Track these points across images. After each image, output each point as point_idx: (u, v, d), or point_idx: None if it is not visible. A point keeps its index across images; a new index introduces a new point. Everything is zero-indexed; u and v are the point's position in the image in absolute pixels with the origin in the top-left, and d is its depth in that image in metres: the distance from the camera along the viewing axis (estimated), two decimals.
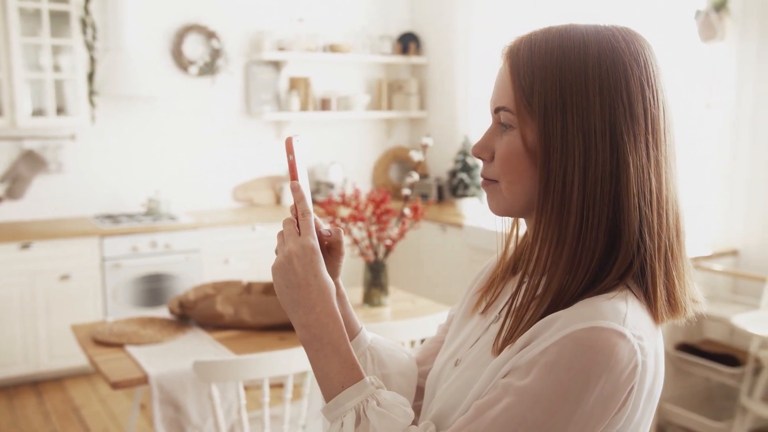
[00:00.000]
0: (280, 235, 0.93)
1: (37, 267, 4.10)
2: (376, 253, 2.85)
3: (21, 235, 4.09)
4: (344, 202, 2.82)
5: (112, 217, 4.59)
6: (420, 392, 1.07)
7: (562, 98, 0.81)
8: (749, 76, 3.38)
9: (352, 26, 5.47)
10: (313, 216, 0.94)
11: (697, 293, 0.88)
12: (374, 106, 5.58)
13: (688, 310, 0.87)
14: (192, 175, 5.04)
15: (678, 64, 3.65)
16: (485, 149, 0.89)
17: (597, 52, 0.81)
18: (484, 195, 0.93)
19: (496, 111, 0.87)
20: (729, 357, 3.18)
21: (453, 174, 5.01)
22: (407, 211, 2.83)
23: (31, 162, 4.49)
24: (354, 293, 2.96)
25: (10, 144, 4.48)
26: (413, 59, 5.53)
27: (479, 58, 5.06)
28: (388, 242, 2.82)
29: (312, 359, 0.89)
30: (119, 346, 2.44)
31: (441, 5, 5.39)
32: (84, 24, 4.37)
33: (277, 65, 5.19)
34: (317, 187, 5.23)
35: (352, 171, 5.55)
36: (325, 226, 0.98)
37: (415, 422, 0.88)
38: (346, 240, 1.01)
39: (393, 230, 2.83)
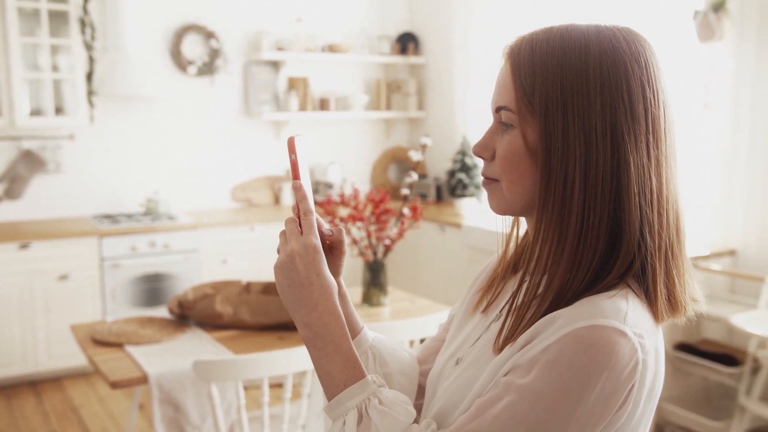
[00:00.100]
0: (282, 234, 0.93)
1: (36, 267, 4.10)
2: (375, 253, 2.85)
3: (20, 235, 4.08)
4: (343, 202, 2.83)
5: (110, 217, 4.59)
6: (421, 391, 1.07)
7: (563, 98, 0.81)
8: (747, 76, 3.39)
9: (351, 26, 5.47)
10: (315, 215, 0.94)
11: (697, 292, 0.89)
12: (373, 106, 5.59)
13: (688, 309, 0.87)
14: (191, 175, 5.04)
15: (676, 64, 3.65)
16: (486, 148, 0.89)
17: (598, 52, 0.82)
18: (485, 194, 0.93)
19: (497, 110, 0.88)
20: (727, 357, 3.18)
21: (452, 174, 5.01)
22: (406, 211, 2.83)
23: (30, 162, 4.49)
24: (353, 293, 2.96)
25: (9, 144, 4.47)
26: (412, 59, 5.54)
27: (478, 58, 5.07)
28: (387, 242, 2.83)
29: (314, 358, 0.89)
30: (118, 345, 2.44)
31: (439, 5, 5.40)
32: (83, 24, 4.37)
33: (275, 65, 5.20)
34: (316, 187, 5.23)
35: (351, 171, 5.55)
36: (326, 226, 0.99)
37: (416, 421, 0.88)
38: (345, 240, 1.01)
39: (392, 230, 2.83)
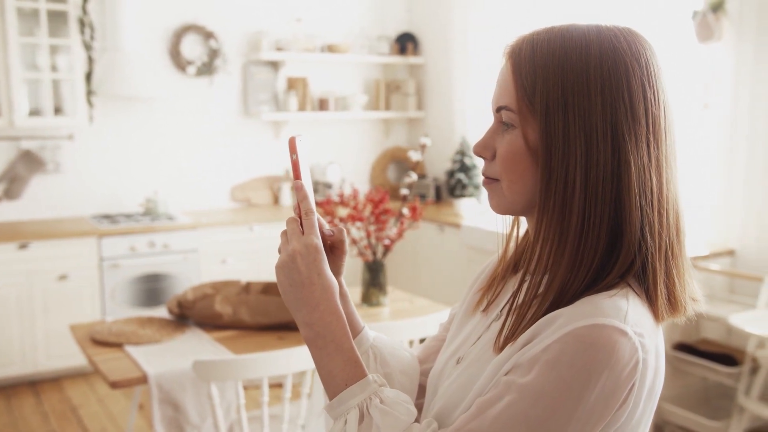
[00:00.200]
0: (284, 234, 0.93)
1: (35, 267, 4.10)
2: (374, 253, 2.85)
3: (19, 235, 4.08)
4: (343, 202, 2.83)
5: (110, 217, 4.59)
6: (422, 390, 1.07)
7: (564, 98, 0.81)
8: (746, 76, 3.39)
9: (350, 27, 5.48)
10: (316, 215, 0.94)
11: (697, 292, 0.89)
12: (372, 106, 5.59)
13: (687, 308, 0.87)
14: (190, 175, 5.04)
15: (675, 64, 3.66)
16: (487, 148, 0.90)
17: (599, 52, 0.82)
18: (484, 194, 0.94)
19: (498, 110, 0.88)
20: (726, 356, 3.19)
21: (451, 174, 5.01)
22: (405, 211, 2.83)
23: (29, 162, 4.49)
24: (352, 293, 2.96)
25: (8, 144, 4.47)
26: (411, 59, 5.54)
27: (477, 58, 5.07)
28: (387, 242, 2.83)
29: (315, 357, 0.90)
30: (118, 345, 2.44)
31: (438, 6, 5.40)
32: (82, 24, 4.37)
33: (275, 65, 5.20)
34: (315, 188, 5.24)
35: (350, 171, 5.55)
36: (327, 226, 0.99)
37: (417, 420, 0.88)
38: (346, 239, 1.01)
39: (391, 230, 2.83)
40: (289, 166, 5.23)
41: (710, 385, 3.42)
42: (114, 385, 2.18)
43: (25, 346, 4.10)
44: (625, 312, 0.79)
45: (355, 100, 5.37)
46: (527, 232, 0.98)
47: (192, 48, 4.93)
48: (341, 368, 0.88)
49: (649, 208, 0.82)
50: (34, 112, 4.36)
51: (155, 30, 4.83)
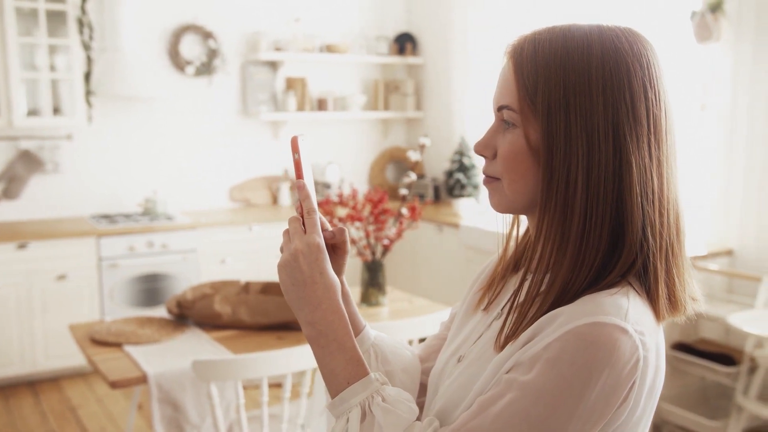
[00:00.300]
0: (286, 233, 0.94)
1: (34, 267, 4.10)
2: (373, 253, 2.86)
3: (18, 235, 4.08)
4: (342, 202, 2.83)
5: (108, 217, 4.59)
6: (423, 389, 1.08)
7: (565, 98, 0.82)
8: (745, 76, 3.40)
9: (349, 27, 5.48)
10: (318, 214, 0.94)
11: (696, 291, 0.90)
12: (371, 106, 5.59)
13: (687, 308, 0.88)
14: (189, 175, 5.04)
15: (674, 65, 3.66)
16: (488, 147, 0.90)
17: (600, 53, 0.82)
18: (484, 193, 0.94)
19: (499, 109, 0.88)
20: (724, 356, 3.19)
21: (449, 174, 5.02)
22: (405, 211, 2.84)
23: (28, 162, 4.48)
24: (352, 293, 2.95)
25: (7, 144, 4.47)
26: (410, 59, 5.54)
27: (476, 58, 5.07)
28: (386, 242, 2.83)
29: (318, 356, 0.90)
30: (117, 345, 2.45)
31: (437, 6, 5.41)
32: (81, 24, 4.37)
33: (273, 65, 5.20)
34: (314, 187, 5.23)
35: (349, 171, 5.56)
36: (329, 225, 0.99)
37: (418, 419, 0.88)
38: (348, 238, 1.01)
39: (390, 230, 2.84)
40: (289, 165, 5.25)
41: (709, 384, 3.42)
42: (114, 384, 2.18)
43: (24, 346, 4.10)
44: (625, 310, 0.79)
45: (353, 101, 5.38)
46: (527, 231, 0.98)
47: (191, 48, 4.93)
48: (343, 367, 0.88)
49: (650, 208, 0.83)
50: (33, 112, 4.36)
51: (154, 30, 4.83)
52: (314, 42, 5.22)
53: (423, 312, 2.79)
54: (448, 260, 4.65)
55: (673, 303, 0.86)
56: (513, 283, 0.96)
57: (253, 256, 4.67)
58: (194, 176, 5.06)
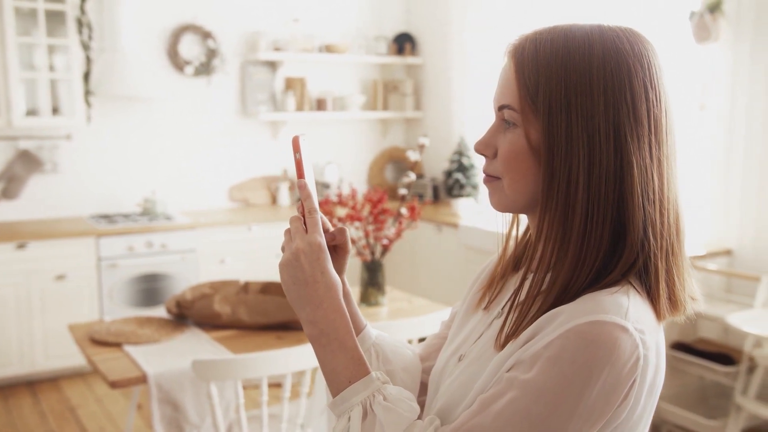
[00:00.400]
0: (287, 232, 0.94)
1: (33, 267, 4.10)
2: (372, 253, 2.86)
3: (17, 235, 4.08)
4: (341, 202, 2.83)
5: (108, 217, 4.59)
6: (423, 388, 1.08)
7: (566, 98, 0.82)
8: (743, 77, 3.40)
9: (348, 27, 5.48)
10: (320, 214, 0.95)
11: (696, 291, 0.90)
12: (370, 106, 5.59)
13: (687, 307, 0.88)
14: (188, 175, 5.04)
15: (672, 65, 3.67)
16: (488, 146, 0.90)
17: (602, 53, 0.82)
18: (483, 193, 0.94)
19: (500, 108, 0.88)
20: (723, 356, 3.20)
21: (448, 174, 5.02)
22: (404, 211, 2.84)
23: (27, 162, 4.48)
24: (351, 293, 2.96)
25: (6, 144, 4.47)
26: (409, 60, 5.54)
27: (475, 58, 5.07)
28: (385, 242, 2.83)
29: (319, 355, 0.90)
30: (117, 345, 2.45)
31: (436, 6, 5.41)
32: (80, 24, 4.37)
33: (272, 65, 5.20)
34: None
35: (348, 171, 5.56)
36: (330, 225, 0.99)
37: (419, 417, 0.89)
38: (349, 238, 1.02)
39: (390, 230, 2.84)
40: (288, 165, 5.26)
41: (707, 384, 3.43)
42: (113, 384, 2.18)
43: (23, 346, 4.10)
44: (626, 309, 0.79)
45: (352, 100, 5.38)
46: (527, 230, 0.99)
47: (190, 48, 4.93)
48: (345, 366, 0.88)
49: (651, 208, 0.83)
50: (32, 112, 4.36)
51: (153, 30, 4.83)
52: (313, 42, 5.22)
53: (422, 312, 2.79)
54: (447, 260, 4.65)
55: (673, 302, 0.86)
56: (513, 282, 0.96)
57: (253, 256, 4.67)
58: (193, 176, 5.06)
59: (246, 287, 2.78)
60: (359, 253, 2.85)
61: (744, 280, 3.38)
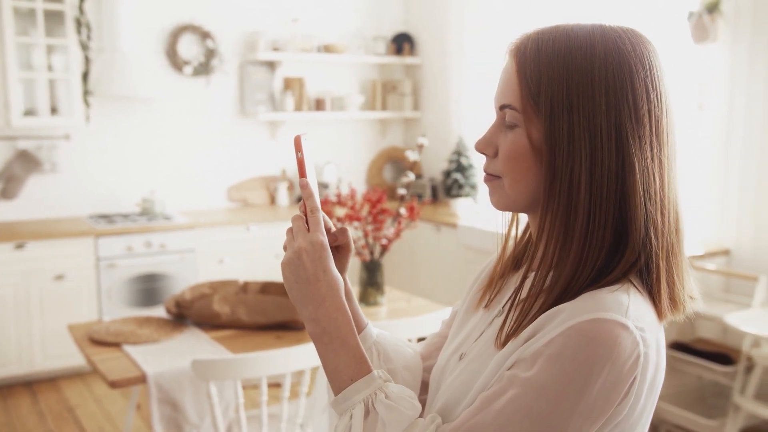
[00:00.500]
0: (290, 231, 0.94)
1: (32, 267, 4.10)
2: (371, 253, 2.86)
3: (15, 235, 4.08)
4: (340, 202, 2.84)
5: (106, 217, 4.59)
6: (424, 387, 1.08)
7: (568, 99, 0.82)
8: (741, 77, 3.41)
9: (347, 27, 5.48)
10: (322, 213, 0.95)
11: (694, 290, 0.91)
12: (368, 106, 5.60)
13: (687, 306, 0.89)
14: (187, 175, 5.04)
15: (671, 65, 3.66)
16: (489, 145, 0.90)
17: (603, 53, 0.83)
18: (482, 193, 0.94)
19: (501, 108, 0.88)
20: (721, 355, 3.20)
21: (447, 174, 5.02)
22: (403, 210, 2.84)
23: (26, 162, 4.48)
24: None
25: (4, 144, 4.47)
26: (407, 60, 5.55)
27: (473, 58, 5.08)
28: (384, 242, 2.84)
29: (321, 353, 0.90)
30: (116, 345, 2.45)
31: (435, 6, 5.41)
32: (78, 24, 4.37)
33: (271, 65, 5.20)
34: None
35: (347, 171, 5.56)
36: (332, 224, 1.00)
37: (421, 416, 0.89)
38: (351, 237, 1.02)
39: (389, 230, 2.84)
40: (287, 165, 5.26)
41: (706, 383, 3.43)
42: (113, 384, 2.18)
43: (21, 346, 4.10)
44: (626, 306, 0.80)
45: (351, 101, 5.38)
46: (526, 228, 0.99)
47: (189, 48, 4.93)
48: (347, 364, 0.89)
49: (653, 208, 0.83)
50: (30, 112, 4.36)
51: (152, 30, 4.83)
52: (312, 42, 5.22)
53: (421, 312, 2.80)
54: (446, 260, 4.65)
55: (674, 301, 0.87)
56: (513, 281, 0.96)
57: (251, 255, 4.67)
58: (192, 176, 5.06)
59: (245, 287, 2.78)
60: (358, 253, 2.86)
61: (742, 280, 3.38)
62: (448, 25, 5.23)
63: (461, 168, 4.96)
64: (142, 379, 2.22)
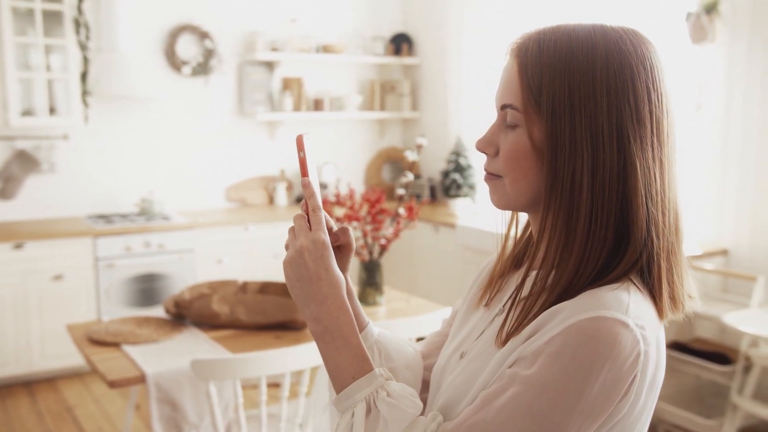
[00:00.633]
0: (291, 230, 0.94)
1: (30, 267, 4.10)
2: (370, 253, 2.87)
3: (14, 235, 4.08)
4: (339, 202, 2.84)
5: (105, 217, 4.59)
6: (425, 385, 1.09)
7: (570, 99, 0.83)
8: (739, 77, 3.41)
9: (345, 27, 5.49)
10: (323, 212, 0.95)
11: (693, 289, 0.91)
12: (367, 106, 5.60)
13: (686, 305, 0.89)
14: (185, 175, 5.04)
15: (669, 65, 3.67)
16: (490, 144, 0.91)
17: (605, 54, 0.83)
18: (483, 192, 0.95)
19: (502, 107, 0.89)
20: (720, 355, 3.21)
21: (445, 174, 5.03)
22: (402, 210, 2.85)
23: (24, 162, 4.48)
24: None
25: (3, 144, 4.46)
26: (406, 60, 5.55)
27: (472, 59, 5.08)
28: (383, 242, 2.84)
29: (323, 351, 0.91)
30: (115, 345, 2.45)
31: (433, 6, 5.42)
32: (77, 24, 4.37)
33: (270, 66, 5.20)
34: None
35: (345, 171, 5.56)
36: (333, 223, 1.00)
37: (422, 414, 0.89)
38: (353, 237, 1.02)
39: (388, 230, 2.84)
40: (286, 165, 5.26)
41: (704, 383, 3.44)
42: (112, 384, 2.18)
43: (20, 346, 4.10)
44: (626, 305, 0.80)
45: (349, 101, 5.38)
46: (526, 228, 0.99)
47: (187, 48, 4.93)
48: (348, 362, 0.89)
49: (654, 208, 0.84)
50: (29, 112, 4.36)
51: (150, 30, 4.83)
52: (310, 42, 5.23)
53: (420, 311, 2.80)
54: (444, 260, 4.66)
55: (674, 300, 0.87)
56: (514, 280, 0.97)
57: (250, 255, 4.68)
58: (191, 176, 5.06)
59: (244, 287, 2.79)
60: (357, 253, 2.86)
61: (740, 280, 3.39)
62: (446, 25, 5.23)
63: (460, 168, 4.96)
64: (141, 379, 2.22)
